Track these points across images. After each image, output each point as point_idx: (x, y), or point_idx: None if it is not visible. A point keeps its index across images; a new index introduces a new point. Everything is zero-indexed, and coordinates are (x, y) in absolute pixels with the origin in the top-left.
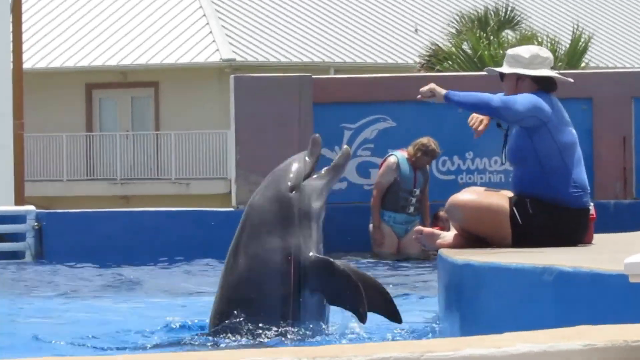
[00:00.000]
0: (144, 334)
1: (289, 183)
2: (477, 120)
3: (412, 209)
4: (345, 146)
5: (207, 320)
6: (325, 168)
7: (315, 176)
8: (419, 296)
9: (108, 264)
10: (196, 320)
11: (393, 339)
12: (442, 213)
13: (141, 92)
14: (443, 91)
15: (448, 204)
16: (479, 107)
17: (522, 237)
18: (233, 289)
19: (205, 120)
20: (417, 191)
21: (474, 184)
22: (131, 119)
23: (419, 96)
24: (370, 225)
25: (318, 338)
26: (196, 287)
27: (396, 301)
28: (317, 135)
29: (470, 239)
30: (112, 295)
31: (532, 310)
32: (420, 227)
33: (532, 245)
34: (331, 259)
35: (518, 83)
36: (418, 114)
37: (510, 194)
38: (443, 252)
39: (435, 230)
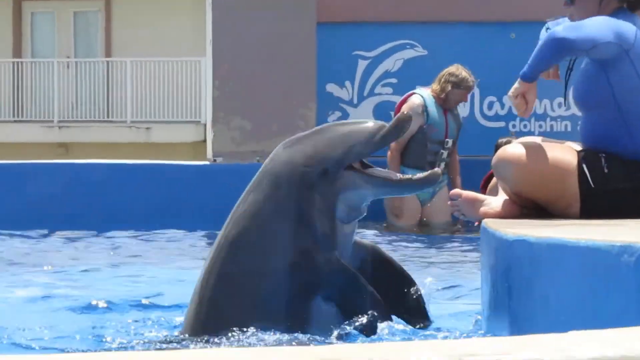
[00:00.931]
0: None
1: (326, 164)
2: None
3: (442, 165)
4: (435, 169)
5: (183, 316)
6: (404, 176)
7: (370, 170)
8: (453, 283)
9: (41, 232)
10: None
11: (420, 338)
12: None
13: (87, 5)
14: (517, 80)
15: (495, 159)
16: (548, 54)
17: (594, 205)
18: (221, 282)
19: (173, 45)
20: (450, 142)
21: (531, 134)
22: (73, 41)
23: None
24: None
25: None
26: (158, 268)
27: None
28: (407, 112)
29: (524, 207)
30: (49, 273)
31: (607, 302)
32: (458, 190)
33: (607, 215)
34: (357, 274)
35: (602, 3)
36: (457, 39)
37: (579, 147)
38: (488, 223)
39: (479, 195)
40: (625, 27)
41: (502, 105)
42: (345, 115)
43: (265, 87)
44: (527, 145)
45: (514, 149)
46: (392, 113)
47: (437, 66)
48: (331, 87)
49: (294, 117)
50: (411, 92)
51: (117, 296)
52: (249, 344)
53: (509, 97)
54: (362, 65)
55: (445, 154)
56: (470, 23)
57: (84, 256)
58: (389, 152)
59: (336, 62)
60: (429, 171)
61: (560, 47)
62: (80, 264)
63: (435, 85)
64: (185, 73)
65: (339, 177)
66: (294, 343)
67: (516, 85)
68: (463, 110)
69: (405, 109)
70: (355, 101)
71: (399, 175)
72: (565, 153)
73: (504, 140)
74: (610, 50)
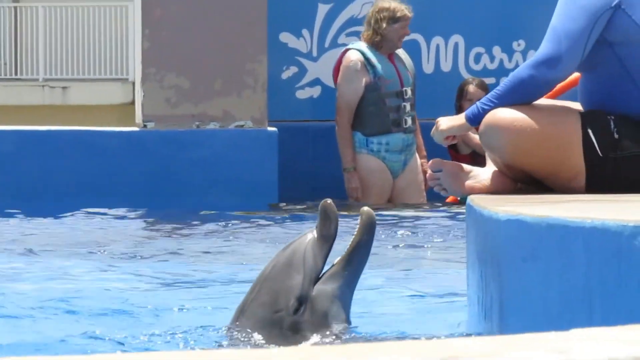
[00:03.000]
0: None
1: (291, 300)
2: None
3: (409, 121)
4: (364, 208)
5: None
6: (342, 255)
7: (328, 273)
8: (432, 270)
9: None
10: None
11: (397, 336)
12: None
13: None
14: (461, 118)
15: (484, 124)
16: (520, 97)
17: (603, 176)
18: None
19: None
20: (409, 91)
21: None
22: None
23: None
24: (344, 172)
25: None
26: (76, 258)
27: (401, 281)
28: (328, 201)
29: (518, 180)
30: None
31: (617, 293)
32: (439, 160)
33: (617, 189)
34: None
35: None
36: None
37: (581, 108)
38: (475, 200)
39: (465, 166)
40: None
41: (492, 58)
42: (303, 71)
43: (205, 37)
44: (520, 108)
45: (504, 113)
46: (332, 77)
47: (413, 11)
48: (285, 37)
49: (241, 73)
50: (345, 48)
51: (26, 296)
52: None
53: (438, 134)
54: (322, 10)
55: (408, 106)
56: None
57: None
58: (336, 128)
59: (291, 6)
60: (361, 212)
61: (540, 90)
62: None
63: (367, 31)
64: (109, 20)
65: (312, 299)
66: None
67: (454, 123)
68: (445, 64)
69: (342, 71)
70: (314, 53)
71: (342, 256)
72: (566, 115)
73: (467, 82)
74: (596, 35)
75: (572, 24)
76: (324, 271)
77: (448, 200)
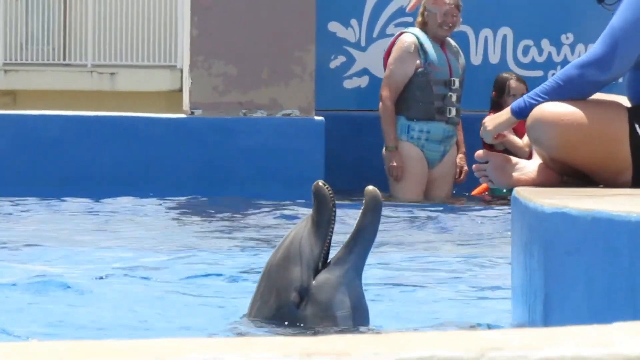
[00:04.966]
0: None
1: (292, 295)
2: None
3: (453, 111)
4: (368, 187)
5: None
6: (346, 240)
7: (334, 259)
8: (476, 263)
9: None
10: None
11: (437, 327)
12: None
13: None
14: (507, 113)
15: (531, 118)
16: (569, 94)
17: None
18: None
19: None
20: (457, 82)
21: None
22: None
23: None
24: (384, 150)
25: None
26: (124, 247)
27: (443, 272)
28: (320, 183)
29: (564, 174)
30: None
31: None
32: (484, 151)
33: None
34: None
35: None
36: None
37: (628, 102)
38: (521, 192)
39: (511, 157)
40: None
41: (540, 51)
42: (351, 61)
43: (254, 24)
44: (567, 103)
45: (552, 107)
46: (383, 61)
47: (465, 1)
48: (334, 26)
49: (289, 61)
50: (401, 31)
51: (74, 278)
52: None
53: (486, 134)
54: (371, 0)
55: (454, 97)
56: None
57: (36, 228)
58: (380, 104)
59: None
60: (365, 193)
61: (588, 90)
62: (31, 237)
63: (419, 17)
64: (157, 7)
65: (312, 292)
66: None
67: (501, 120)
68: (493, 56)
69: (395, 51)
70: (363, 43)
71: (346, 241)
72: (613, 111)
73: (508, 76)
74: None
75: (631, 29)
76: (332, 256)
77: (475, 193)
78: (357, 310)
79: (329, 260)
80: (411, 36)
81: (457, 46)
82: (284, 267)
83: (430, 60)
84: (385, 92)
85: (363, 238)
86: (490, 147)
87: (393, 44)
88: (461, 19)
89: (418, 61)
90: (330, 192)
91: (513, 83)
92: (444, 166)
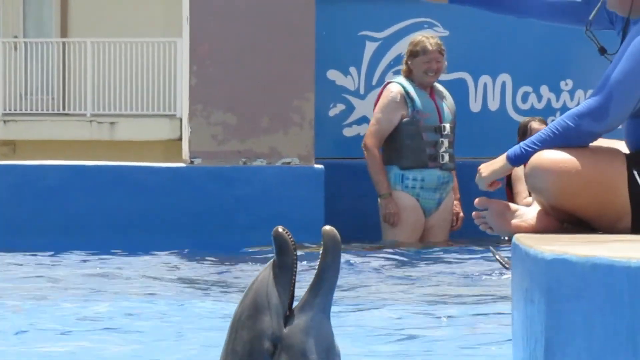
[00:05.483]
0: None
1: (265, 345)
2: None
3: (446, 157)
4: (325, 227)
5: None
6: (310, 283)
7: (299, 304)
8: (475, 311)
9: None
10: None
11: None
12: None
13: None
14: (502, 160)
15: (529, 166)
16: (562, 142)
17: None
18: None
19: (142, 23)
20: (447, 128)
21: None
22: (22, 18)
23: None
24: (379, 199)
25: None
26: (122, 297)
27: (444, 318)
28: (279, 228)
29: (564, 220)
30: None
31: None
32: (484, 199)
33: None
34: None
35: None
36: (484, 17)
37: (626, 148)
38: (521, 239)
39: (511, 205)
40: None
41: (539, 98)
42: (350, 108)
43: (253, 73)
44: (565, 150)
45: (549, 155)
46: (372, 112)
47: (461, 49)
48: (333, 74)
49: (288, 110)
50: (387, 81)
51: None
52: None
53: (481, 181)
54: (370, 48)
55: (446, 143)
56: None
57: (35, 280)
58: (365, 154)
59: (339, 44)
60: (322, 233)
61: (584, 139)
62: (31, 289)
63: (403, 66)
64: (156, 57)
65: (284, 337)
66: None
67: (496, 166)
68: (492, 103)
69: (382, 101)
70: (361, 91)
71: (310, 284)
72: (611, 157)
73: (529, 120)
74: None
75: (627, 80)
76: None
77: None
78: (330, 352)
79: (294, 306)
80: (397, 86)
81: (445, 91)
82: (253, 317)
83: (417, 108)
84: (369, 141)
85: (326, 279)
86: (511, 190)
87: (380, 94)
88: (446, 63)
89: (404, 111)
90: (290, 237)
91: (534, 124)
92: (440, 214)
